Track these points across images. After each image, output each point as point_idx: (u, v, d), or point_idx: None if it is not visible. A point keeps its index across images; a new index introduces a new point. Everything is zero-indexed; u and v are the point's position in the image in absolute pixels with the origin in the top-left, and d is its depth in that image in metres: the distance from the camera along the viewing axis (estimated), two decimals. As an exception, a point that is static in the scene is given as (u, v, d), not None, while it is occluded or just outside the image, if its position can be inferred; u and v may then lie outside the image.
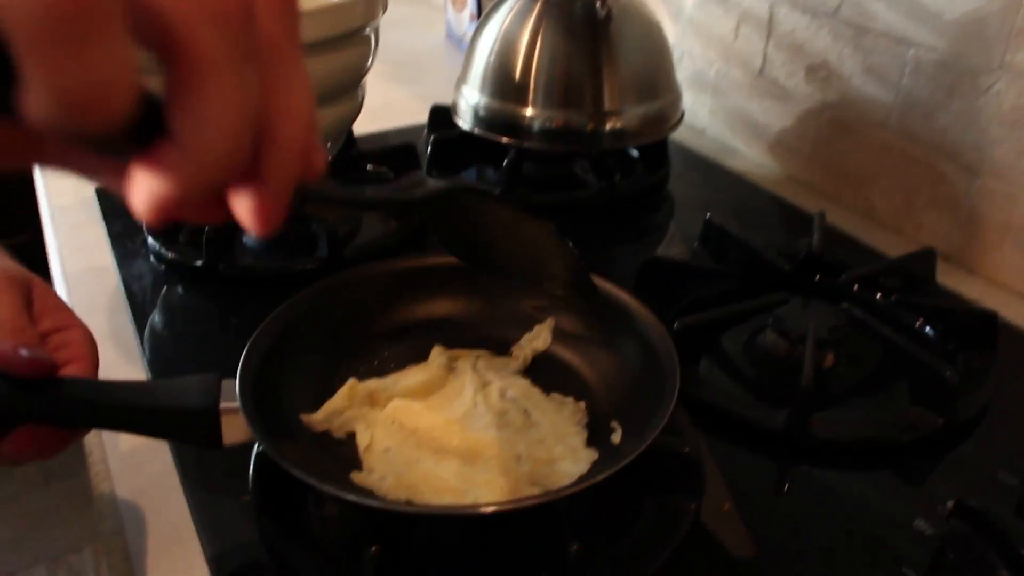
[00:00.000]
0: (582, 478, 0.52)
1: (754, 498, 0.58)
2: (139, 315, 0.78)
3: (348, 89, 0.80)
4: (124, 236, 0.91)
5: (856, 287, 0.76)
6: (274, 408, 0.54)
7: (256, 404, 0.52)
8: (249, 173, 0.30)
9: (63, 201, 1.01)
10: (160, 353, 0.74)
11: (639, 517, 0.53)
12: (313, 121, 0.32)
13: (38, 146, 0.30)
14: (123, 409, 0.51)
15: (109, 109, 0.25)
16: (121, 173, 0.30)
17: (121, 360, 0.74)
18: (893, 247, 0.87)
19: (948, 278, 0.81)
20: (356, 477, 0.53)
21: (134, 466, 0.63)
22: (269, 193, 0.31)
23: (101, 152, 0.30)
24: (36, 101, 0.24)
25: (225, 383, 0.53)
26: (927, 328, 0.72)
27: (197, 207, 0.32)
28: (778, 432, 0.62)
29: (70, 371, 0.53)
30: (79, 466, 2.12)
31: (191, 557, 0.55)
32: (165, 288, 0.82)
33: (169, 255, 0.84)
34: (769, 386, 0.68)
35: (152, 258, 0.86)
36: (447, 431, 0.55)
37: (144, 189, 0.28)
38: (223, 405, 0.52)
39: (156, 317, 0.79)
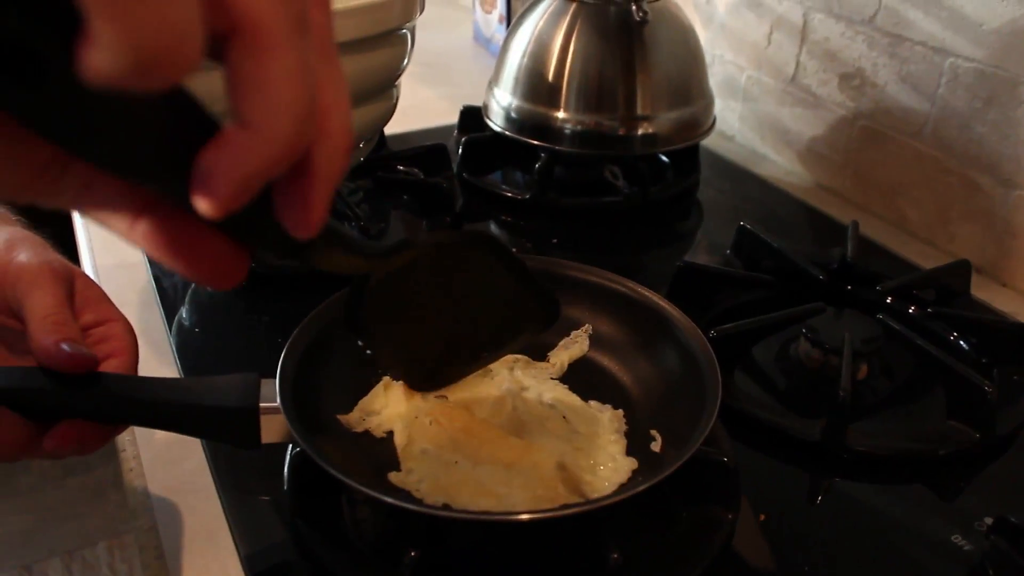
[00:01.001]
0: (623, 487, 0.52)
1: (788, 510, 0.58)
2: (170, 311, 0.78)
3: (384, 89, 0.79)
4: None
5: (890, 298, 0.76)
6: (312, 408, 0.54)
7: (295, 405, 0.52)
8: (295, 171, 0.30)
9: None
10: (190, 350, 0.74)
11: (677, 526, 0.53)
12: (351, 123, 0.32)
13: (60, 173, 0.29)
14: (163, 406, 0.51)
15: (180, 59, 0.23)
16: (142, 208, 0.30)
17: (152, 356, 0.74)
18: (925, 258, 0.87)
19: (981, 290, 0.81)
20: (394, 478, 0.53)
21: (167, 463, 0.63)
22: (319, 187, 0.30)
23: (137, 173, 0.28)
24: (103, 54, 0.22)
25: (264, 382, 0.53)
26: (962, 341, 0.71)
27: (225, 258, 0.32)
28: (814, 443, 0.61)
29: (111, 365, 0.53)
30: (97, 461, 2.13)
31: (225, 556, 0.55)
32: (195, 285, 0.82)
33: (200, 252, 0.84)
34: (802, 397, 0.68)
35: (182, 254, 0.86)
36: (486, 434, 0.55)
37: (211, 177, 0.27)
38: (262, 405, 0.52)
39: (186, 314, 0.79)
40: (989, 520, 0.55)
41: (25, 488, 2.24)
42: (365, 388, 0.60)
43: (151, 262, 0.85)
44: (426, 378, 0.58)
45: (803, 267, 0.76)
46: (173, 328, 0.77)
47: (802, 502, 0.59)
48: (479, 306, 0.55)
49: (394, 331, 0.53)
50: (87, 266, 0.89)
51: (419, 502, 0.50)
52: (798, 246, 0.82)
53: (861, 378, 0.68)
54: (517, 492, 0.51)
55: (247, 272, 0.33)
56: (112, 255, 0.89)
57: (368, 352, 0.54)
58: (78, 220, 0.97)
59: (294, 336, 0.57)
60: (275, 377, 0.53)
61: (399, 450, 0.55)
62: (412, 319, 0.54)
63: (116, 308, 0.56)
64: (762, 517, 0.57)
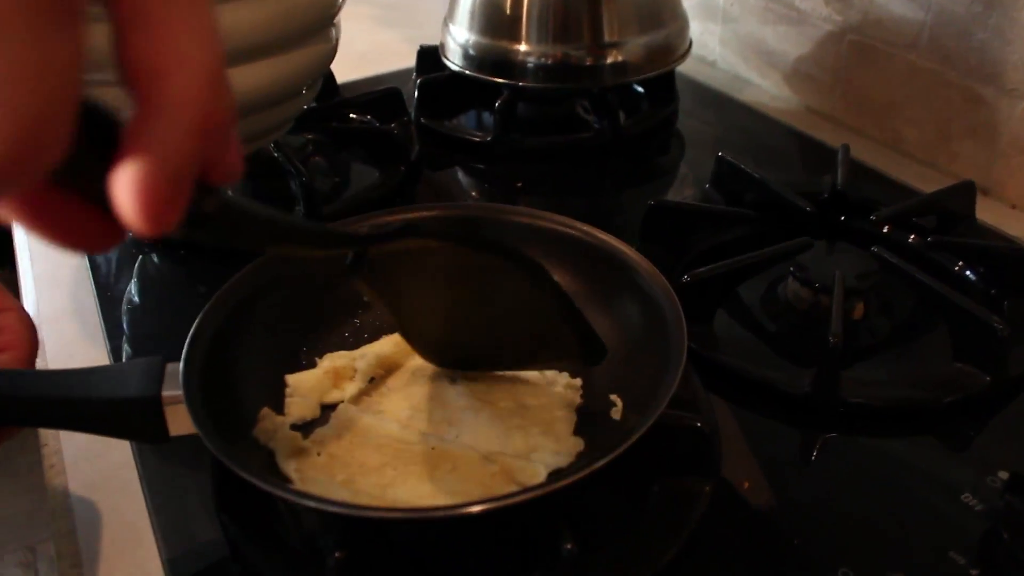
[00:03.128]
0: (561, 472, 0.45)
1: (776, 474, 0.52)
2: (102, 289, 0.72)
3: (319, 29, 0.72)
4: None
5: (887, 227, 0.69)
6: (227, 395, 0.48)
7: (204, 392, 0.45)
8: (133, 143, 0.24)
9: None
10: (123, 330, 0.68)
11: (646, 504, 0.47)
12: (220, 82, 0.26)
13: None
14: (53, 403, 0.45)
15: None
16: None
17: (83, 339, 0.68)
18: (925, 182, 0.79)
19: (988, 214, 0.73)
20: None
21: (91, 457, 0.57)
22: (152, 167, 0.24)
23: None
24: None
25: (171, 367, 0.47)
26: (968, 271, 0.65)
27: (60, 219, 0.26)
28: (804, 396, 0.55)
29: (2, 360, 0.47)
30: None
31: (147, 560, 0.49)
32: (132, 259, 0.76)
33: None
34: (792, 343, 0.61)
35: (120, 226, 0.80)
36: (388, 461, 0.48)
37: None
38: (166, 393, 0.45)
39: (121, 290, 0.72)
40: (1003, 475, 0.49)
41: (24, 469, 2.21)
42: (293, 365, 0.54)
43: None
44: (433, 351, 0.53)
45: (788, 199, 0.69)
46: (106, 307, 0.70)
47: (792, 464, 0.53)
48: (506, 319, 0.49)
49: (403, 292, 0.48)
50: (20, 243, 0.83)
51: (350, 504, 0.43)
52: (786, 176, 0.75)
53: (856, 319, 0.61)
54: (440, 498, 0.44)
55: (122, 237, 0.27)
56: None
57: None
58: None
59: (205, 311, 0.51)
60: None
61: (280, 467, 0.48)
62: (423, 293, 0.48)
63: (10, 297, 0.50)
64: (746, 484, 0.50)
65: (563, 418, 0.49)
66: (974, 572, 0.44)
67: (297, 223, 0.36)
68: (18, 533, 2.07)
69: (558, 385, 0.52)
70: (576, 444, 0.48)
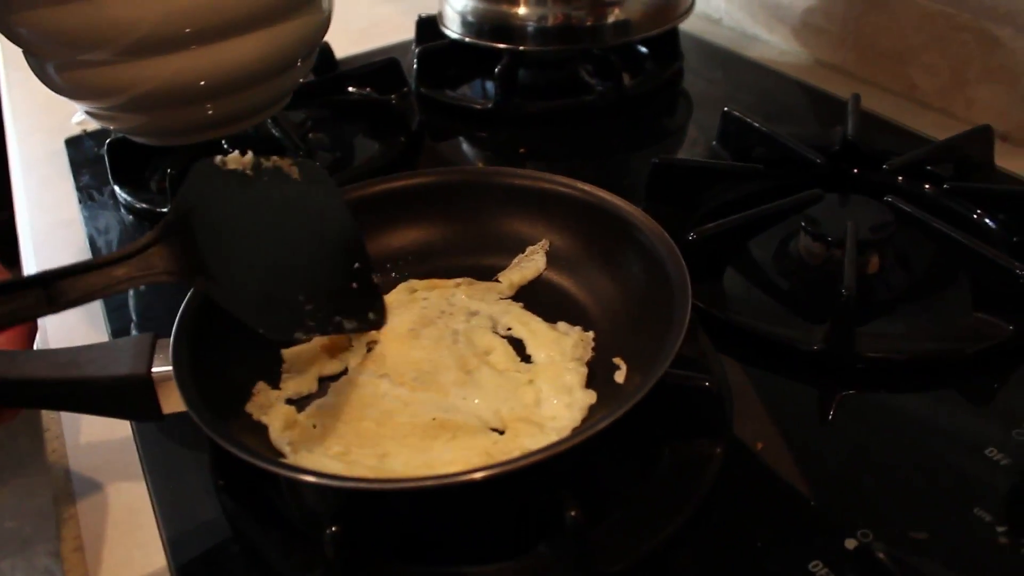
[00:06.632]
0: (576, 431, 0.44)
1: (793, 433, 0.50)
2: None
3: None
4: (91, 187, 0.83)
5: (901, 177, 0.66)
6: (219, 371, 0.47)
7: (195, 368, 0.44)
8: None
9: (33, 153, 0.93)
10: (124, 313, 0.67)
11: (655, 469, 0.45)
12: None
13: None
14: (43, 383, 0.44)
15: None
16: None
17: (84, 322, 0.67)
18: (941, 129, 0.76)
19: (1008, 160, 0.70)
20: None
21: (94, 438, 0.57)
22: None
23: None
24: None
25: (161, 343, 0.46)
26: (987, 219, 0.62)
27: None
28: (818, 352, 0.53)
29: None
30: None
31: (148, 542, 0.49)
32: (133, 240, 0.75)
33: (138, 204, 0.77)
34: (805, 300, 0.60)
35: (123, 209, 0.79)
36: (386, 432, 0.46)
37: None
38: (156, 370, 0.44)
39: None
40: (1030, 427, 0.47)
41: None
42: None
43: (88, 220, 0.78)
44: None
45: (797, 151, 0.67)
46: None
47: (807, 423, 0.51)
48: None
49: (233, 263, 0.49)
50: (23, 224, 0.82)
51: (343, 477, 0.42)
52: (796, 130, 0.72)
53: (872, 272, 0.59)
54: (438, 468, 0.43)
55: None
56: (49, 215, 0.82)
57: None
58: (17, 181, 0.90)
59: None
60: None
61: (273, 442, 0.47)
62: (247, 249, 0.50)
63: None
64: (759, 445, 0.48)
65: (573, 370, 0.48)
66: (1000, 529, 0.42)
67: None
68: (51, 522, 2.07)
69: (570, 338, 0.50)
70: (588, 397, 0.47)
